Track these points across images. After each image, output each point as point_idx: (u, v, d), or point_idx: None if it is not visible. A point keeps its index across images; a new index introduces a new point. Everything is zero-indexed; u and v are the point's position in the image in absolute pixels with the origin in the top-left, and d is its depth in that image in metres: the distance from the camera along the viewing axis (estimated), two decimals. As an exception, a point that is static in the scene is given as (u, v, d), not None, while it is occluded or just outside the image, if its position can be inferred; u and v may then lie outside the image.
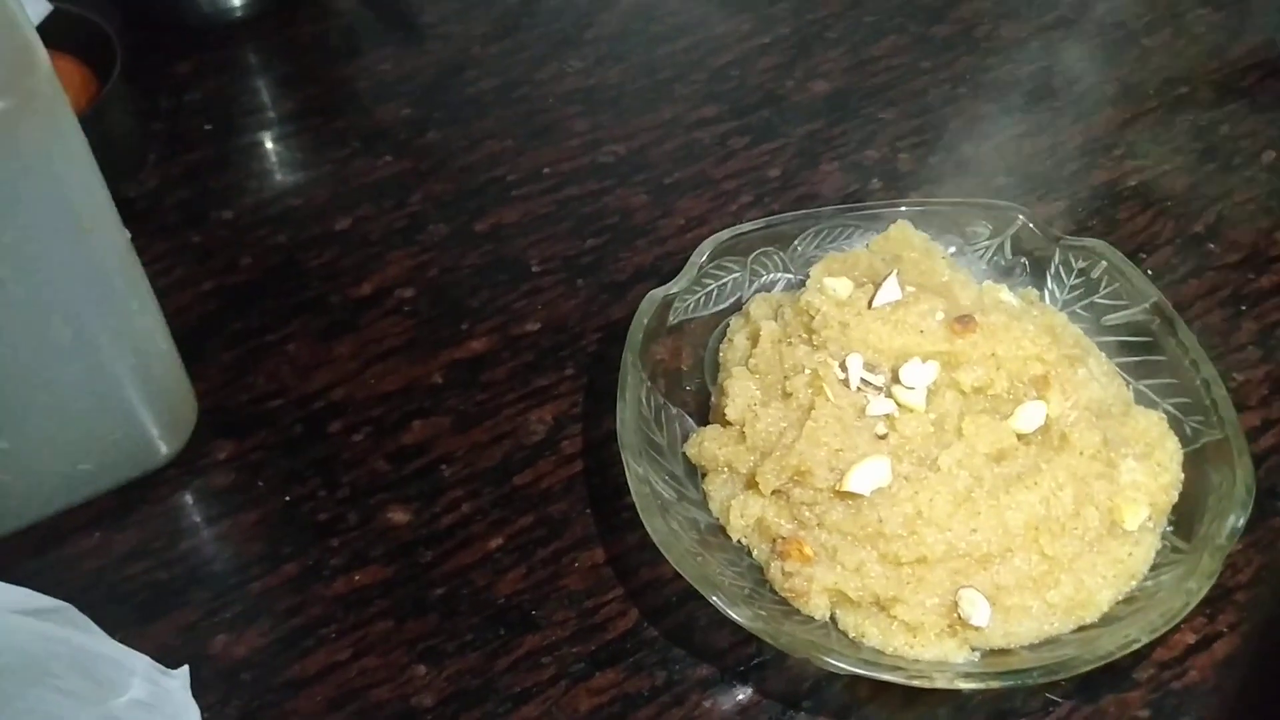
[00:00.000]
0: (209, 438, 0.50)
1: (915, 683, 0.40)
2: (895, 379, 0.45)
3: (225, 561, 0.47)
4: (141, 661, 0.35)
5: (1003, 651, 0.42)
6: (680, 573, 0.41)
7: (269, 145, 0.64)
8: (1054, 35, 0.69)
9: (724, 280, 0.51)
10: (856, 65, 0.67)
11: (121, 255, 0.44)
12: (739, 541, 0.45)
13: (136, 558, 0.47)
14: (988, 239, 0.53)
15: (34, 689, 0.31)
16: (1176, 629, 0.42)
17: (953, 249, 0.53)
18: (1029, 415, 0.44)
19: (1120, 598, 0.43)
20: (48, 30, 0.58)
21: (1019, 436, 0.44)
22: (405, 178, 0.61)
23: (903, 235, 0.52)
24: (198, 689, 0.40)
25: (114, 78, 0.58)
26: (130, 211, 0.59)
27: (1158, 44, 0.68)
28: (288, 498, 0.49)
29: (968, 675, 0.40)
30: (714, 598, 0.41)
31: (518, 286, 0.56)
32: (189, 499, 0.49)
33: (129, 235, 0.45)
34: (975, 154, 0.62)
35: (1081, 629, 0.42)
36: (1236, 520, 0.42)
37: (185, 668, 0.37)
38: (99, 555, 0.47)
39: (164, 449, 0.49)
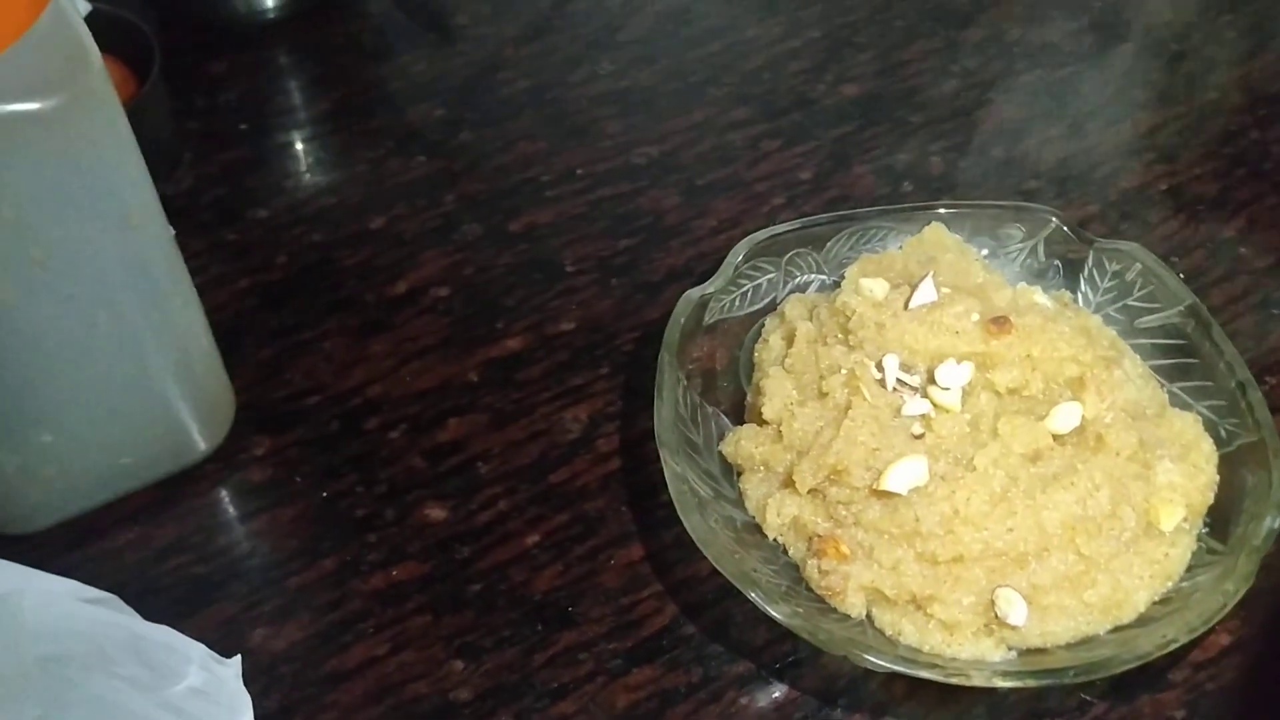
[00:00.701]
0: (247, 434, 0.51)
1: (952, 680, 0.40)
2: (931, 379, 0.45)
3: (263, 556, 0.47)
4: (197, 649, 0.35)
5: (1039, 651, 0.42)
6: (719, 569, 0.42)
7: (303, 145, 0.65)
8: (1085, 39, 0.69)
9: (759, 281, 0.52)
10: (887, 69, 0.68)
11: (166, 251, 0.45)
12: (775, 540, 0.45)
13: (176, 551, 0.47)
14: (1021, 241, 0.53)
15: (95, 675, 0.31)
16: (1212, 630, 0.42)
17: (986, 251, 0.53)
18: (1065, 416, 0.45)
19: (1156, 598, 0.43)
20: (88, 29, 0.59)
21: (1055, 437, 0.44)
22: (439, 178, 0.62)
23: (937, 237, 0.52)
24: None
25: (153, 77, 0.58)
26: (168, 209, 0.59)
27: (1188, 48, 0.68)
28: (325, 493, 0.49)
29: (1004, 674, 0.40)
30: (752, 594, 0.41)
31: (552, 286, 0.56)
32: (227, 494, 0.49)
33: (173, 232, 0.45)
34: (1007, 157, 0.62)
35: (1118, 629, 0.42)
36: (1273, 522, 0.42)
37: (238, 657, 0.38)
38: (139, 548, 0.47)
39: (203, 444, 0.49)
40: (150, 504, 0.49)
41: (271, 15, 0.71)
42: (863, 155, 0.63)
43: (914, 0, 0.72)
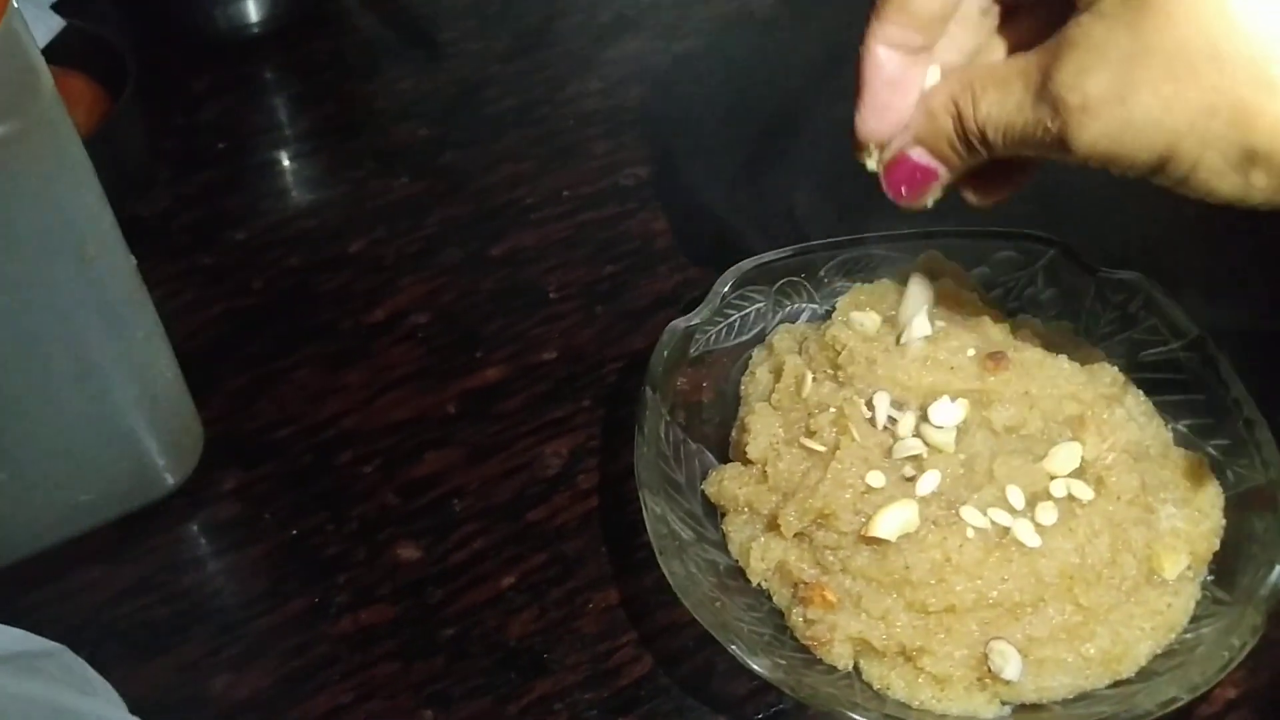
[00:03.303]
0: (216, 467, 0.49)
1: (942, 739, 0.38)
2: (924, 418, 0.43)
3: (229, 597, 0.46)
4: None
5: (1035, 707, 0.40)
6: (697, 618, 0.40)
7: (283, 165, 0.63)
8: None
9: (747, 310, 0.50)
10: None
11: (127, 282, 0.43)
12: (759, 585, 0.43)
13: (138, 592, 0.46)
14: (1019, 270, 0.51)
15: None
16: (1217, 685, 0.40)
17: (983, 280, 0.51)
18: (1064, 457, 0.43)
19: (1159, 651, 0.41)
20: (59, 48, 0.58)
21: (1053, 479, 0.42)
22: (421, 199, 0.60)
23: (932, 265, 0.50)
24: (196, 733, 0.39)
25: (125, 95, 0.57)
26: (141, 231, 0.58)
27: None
28: (295, 531, 0.47)
29: (998, 732, 0.39)
30: (732, 646, 0.39)
31: (534, 313, 0.55)
32: (193, 531, 0.48)
33: (135, 261, 0.43)
34: (1006, 180, 0.61)
35: (1118, 684, 0.40)
36: (1282, 572, 0.40)
37: None
38: (100, 589, 0.46)
39: (169, 479, 0.48)
40: (113, 542, 0.47)
41: (255, 31, 0.69)
42: (858, 177, 0.61)
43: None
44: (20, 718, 0.29)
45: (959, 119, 0.35)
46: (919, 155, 0.36)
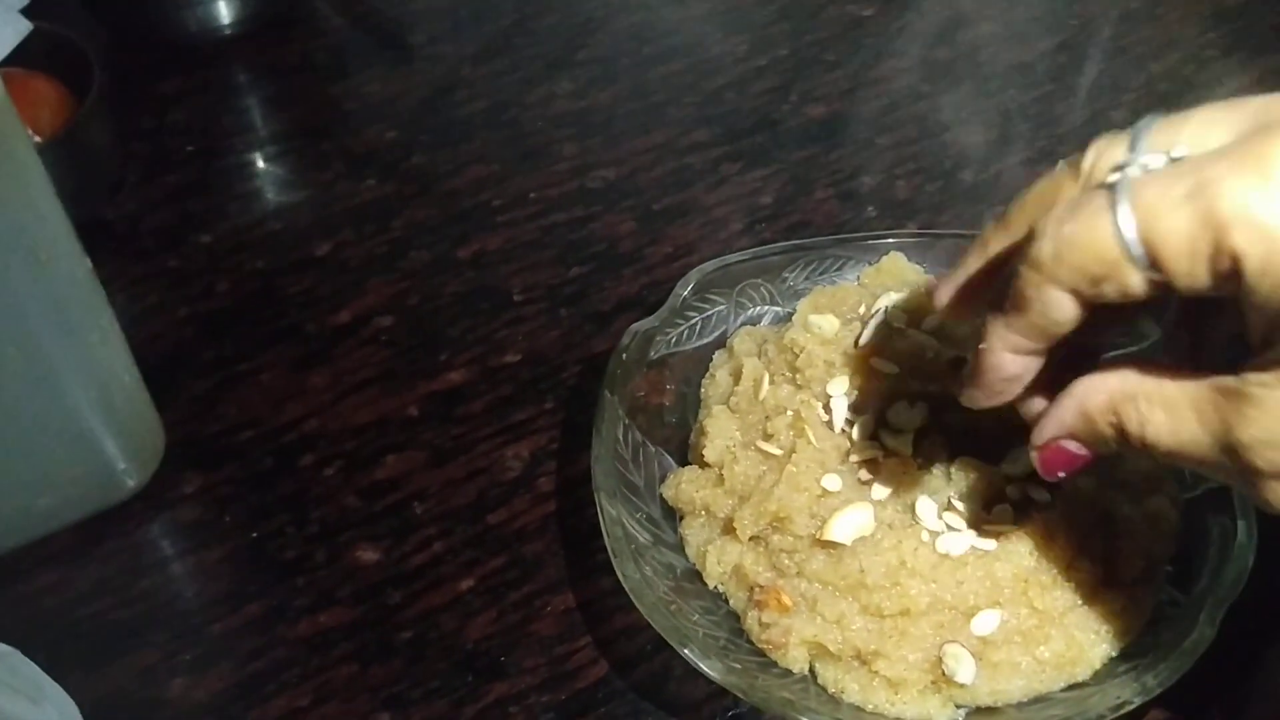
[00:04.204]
0: (177, 470, 0.49)
1: (896, 742, 0.38)
2: (882, 421, 0.43)
3: (187, 601, 0.46)
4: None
5: (989, 710, 0.40)
6: (650, 623, 0.40)
7: (251, 167, 0.63)
8: (1059, 60, 0.67)
9: (709, 313, 0.50)
10: (855, 89, 0.66)
11: (81, 286, 0.43)
12: (716, 588, 0.43)
13: (96, 596, 0.45)
14: (983, 272, 0.51)
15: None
16: (1171, 687, 0.40)
17: (946, 282, 0.51)
18: (1020, 460, 0.42)
19: (1114, 654, 0.41)
20: (27, 50, 0.57)
21: (1009, 481, 0.42)
22: (389, 202, 0.60)
23: (895, 267, 0.50)
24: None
25: (91, 97, 0.56)
26: (107, 234, 0.58)
27: (1166, 69, 0.67)
28: (255, 534, 0.47)
29: (951, 735, 0.39)
30: (685, 650, 0.39)
31: (499, 316, 0.55)
32: (153, 534, 0.48)
33: (90, 264, 0.43)
34: (975, 182, 0.61)
35: (1072, 687, 0.40)
36: (1237, 573, 0.40)
37: None
38: (57, 593, 0.45)
39: (129, 482, 0.48)
40: (72, 545, 0.47)
41: (226, 33, 0.69)
42: (826, 178, 0.61)
43: (885, 18, 0.70)
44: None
45: (1120, 429, 0.32)
46: (1075, 447, 0.34)
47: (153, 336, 0.54)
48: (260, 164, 0.63)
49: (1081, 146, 0.32)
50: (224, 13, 0.68)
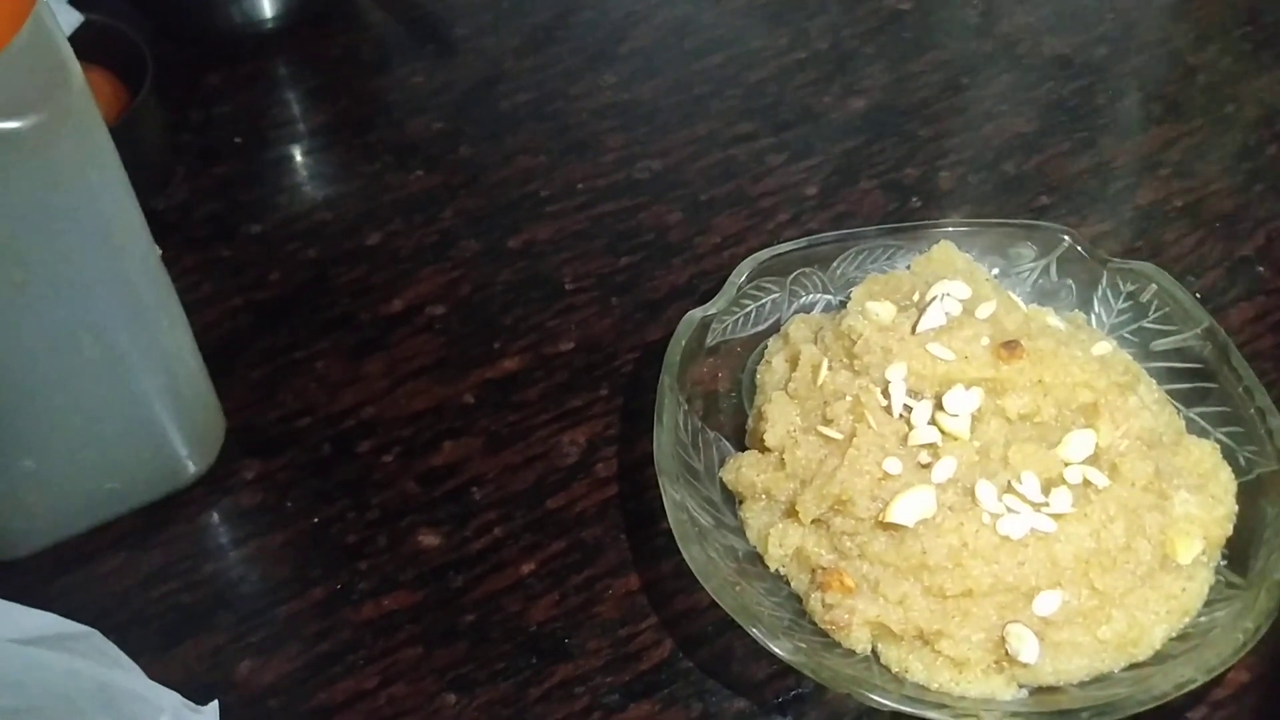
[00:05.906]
0: (237, 457, 0.50)
1: (961, 720, 0.39)
2: (939, 406, 0.44)
3: (252, 584, 0.46)
4: (170, 699, 0.34)
5: (1052, 689, 0.40)
6: (718, 603, 0.40)
7: (299, 159, 0.63)
8: (1098, 52, 0.68)
9: (763, 301, 0.50)
10: (896, 81, 0.66)
11: (152, 272, 0.43)
12: (777, 571, 0.44)
13: (162, 579, 0.46)
14: (1032, 261, 0.52)
15: (62, 728, 0.30)
16: (1231, 668, 0.40)
17: (996, 271, 0.51)
18: (1078, 444, 0.43)
19: (1174, 634, 0.41)
20: (78, 41, 0.58)
21: (1067, 466, 0.43)
22: (437, 193, 0.60)
23: (945, 256, 0.50)
24: (223, 717, 0.39)
25: (145, 90, 0.57)
26: (159, 224, 0.58)
27: (1203, 61, 0.67)
28: (316, 519, 0.48)
29: (1015, 713, 0.39)
30: (754, 629, 0.39)
31: (551, 305, 0.55)
32: (216, 519, 0.48)
33: (160, 251, 0.44)
34: (1018, 173, 0.61)
35: (1133, 666, 0.41)
36: (1294, 555, 0.41)
37: (214, 704, 0.36)
38: (124, 576, 0.46)
39: (191, 468, 0.48)
40: (137, 529, 0.47)
41: (269, 26, 0.69)
42: (870, 170, 0.61)
43: (924, 11, 0.71)
44: (75, 693, 0.30)
45: None
46: None
47: (207, 325, 0.54)
48: (308, 155, 0.63)
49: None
50: (267, 7, 0.69)
